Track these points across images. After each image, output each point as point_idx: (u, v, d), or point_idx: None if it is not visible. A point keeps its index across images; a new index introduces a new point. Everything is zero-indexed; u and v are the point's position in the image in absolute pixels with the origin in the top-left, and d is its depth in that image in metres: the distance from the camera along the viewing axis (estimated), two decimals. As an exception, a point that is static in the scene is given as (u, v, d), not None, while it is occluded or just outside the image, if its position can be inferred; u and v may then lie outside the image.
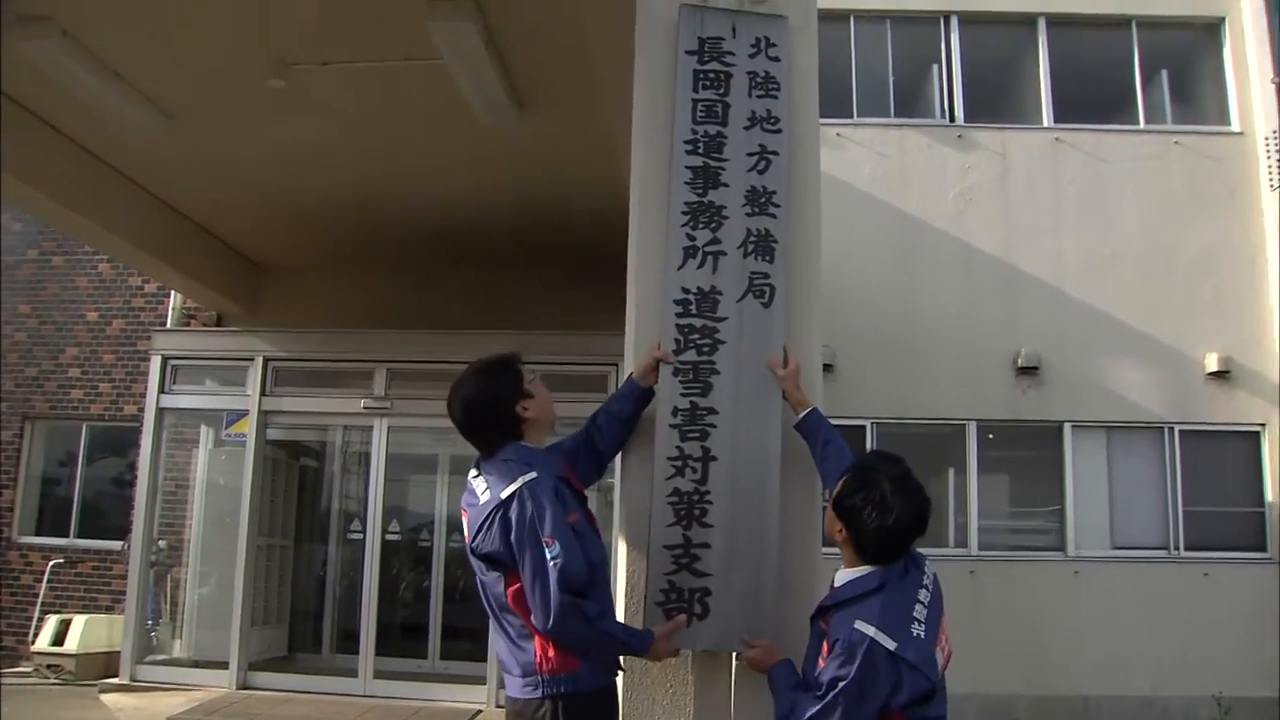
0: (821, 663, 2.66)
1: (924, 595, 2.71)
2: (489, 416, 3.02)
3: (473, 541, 2.92)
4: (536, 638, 2.83)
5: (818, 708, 2.59)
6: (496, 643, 2.99)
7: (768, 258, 3.26)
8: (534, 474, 2.87)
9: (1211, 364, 10.52)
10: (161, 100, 7.26)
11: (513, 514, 2.81)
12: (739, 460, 3.15)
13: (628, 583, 3.20)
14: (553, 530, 2.77)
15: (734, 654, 3.12)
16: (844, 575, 2.79)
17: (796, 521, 3.22)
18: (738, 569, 3.08)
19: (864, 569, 2.73)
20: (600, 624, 2.82)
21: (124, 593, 9.88)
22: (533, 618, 2.79)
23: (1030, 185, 11.06)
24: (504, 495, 2.84)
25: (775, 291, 3.25)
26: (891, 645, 2.56)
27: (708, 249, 3.26)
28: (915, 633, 2.62)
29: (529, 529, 2.78)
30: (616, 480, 3.47)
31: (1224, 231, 10.88)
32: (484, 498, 2.90)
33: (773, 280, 3.26)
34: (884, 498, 2.67)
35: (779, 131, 3.37)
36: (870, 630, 2.57)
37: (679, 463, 3.13)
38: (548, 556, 2.75)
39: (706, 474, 3.13)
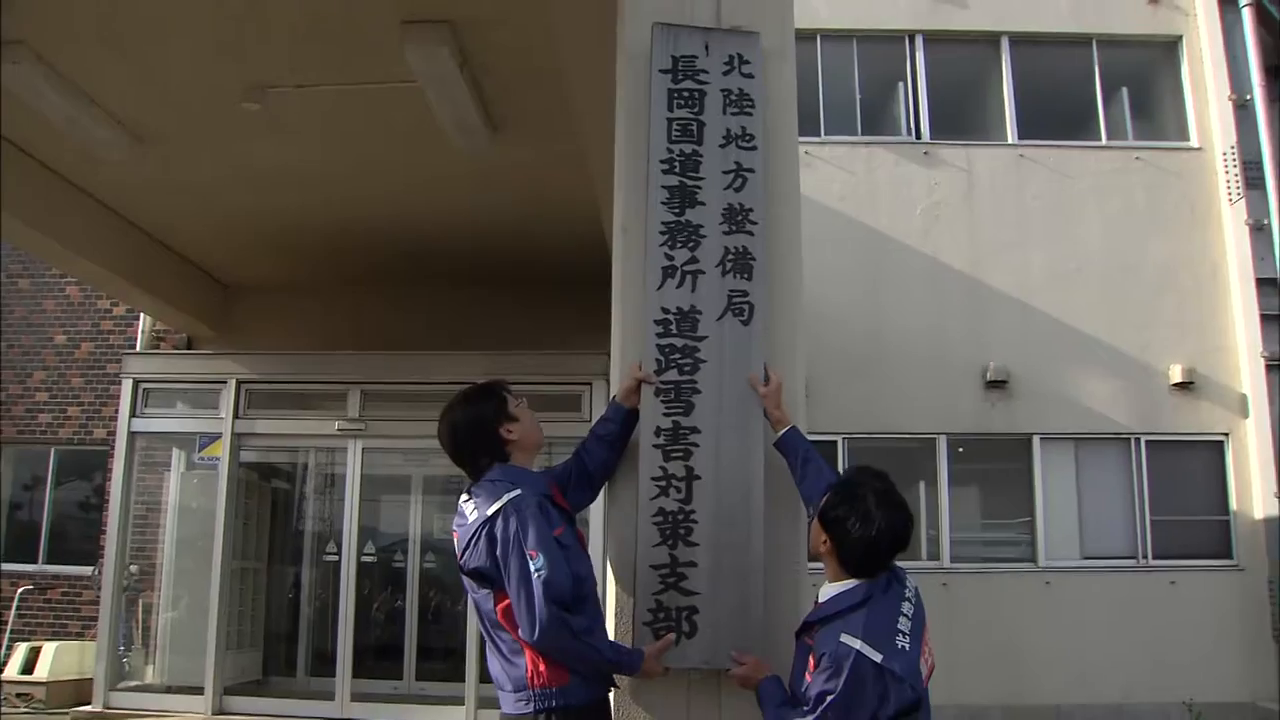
0: (808, 677, 2.68)
1: (907, 608, 2.74)
2: (474, 439, 3.09)
3: (461, 558, 2.98)
4: (527, 652, 2.86)
5: None
6: (490, 661, 3.02)
7: (746, 275, 3.29)
8: (518, 491, 2.92)
9: (1175, 375, 10.70)
10: (134, 124, 7.23)
11: (497, 530, 2.86)
12: (723, 478, 3.17)
13: (616, 604, 3.22)
14: (536, 543, 2.82)
15: (723, 672, 3.13)
16: (828, 590, 2.82)
17: (781, 538, 3.24)
18: (724, 587, 3.10)
19: (848, 583, 2.77)
20: (587, 639, 2.85)
21: (94, 619, 9.78)
22: (519, 630, 2.83)
23: (996, 201, 11.23)
24: (489, 512, 2.89)
25: (754, 309, 3.28)
26: (877, 657, 2.58)
27: (686, 268, 3.28)
28: (900, 644, 2.64)
29: (514, 543, 2.83)
30: (599, 502, 3.49)
31: (1185, 245, 11.09)
32: (472, 517, 2.96)
33: (751, 298, 3.28)
34: (868, 511, 2.72)
35: (754, 149, 3.39)
36: (856, 643, 2.60)
37: (663, 482, 3.15)
38: (532, 569, 2.79)
39: (691, 493, 3.15)
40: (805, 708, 2.65)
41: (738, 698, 3.09)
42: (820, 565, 3.02)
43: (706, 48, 3.47)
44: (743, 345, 3.26)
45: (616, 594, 3.23)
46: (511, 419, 3.10)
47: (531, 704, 2.85)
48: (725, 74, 3.46)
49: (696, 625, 3.08)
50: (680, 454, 3.18)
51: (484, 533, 2.89)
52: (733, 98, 3.44)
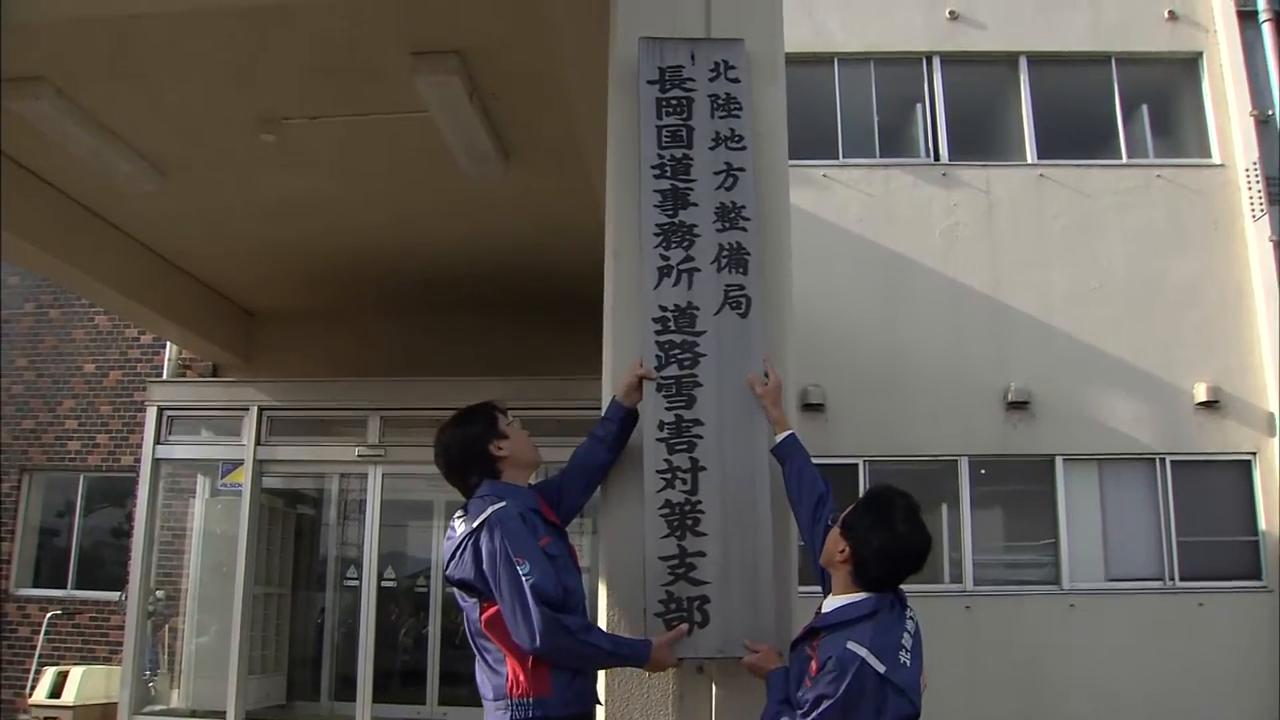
0: (808, 682, 2.69)
1: (911, 627, 2.77)
2: (465, 457, 3.16)
3: (447, 569, 3.04)
4: (510, 661, 2.88)
5: None
6: (476, 671, 3.05)
7: (741, 270, 3.36)
8: (503, 504, 2.97)
9: (1200, 394, 10.58)
10: (156, 156, 7.32)
11: (483, 542, 2.90)
12: (728, 469, 3.22)
13: (620, 600, 3.24)
14: (523, 551, 2.86)
15: (714, 685, 3.16)
16: (834, 601, 2.83)
17: (778, 537, 3.25)
18: (735, 576, 3.14)
19: (857, 595, 2.78)
20: (585, 636, 2.88)
21: (122, 643, 9.86)
22: (516, 637, 2.84)
23: (1015, 221, 11.18)
24: (475, 525, 2.94)
25: (751, 302, 3.34)
26: (881, 668, 2.60)
27: (682, 266, 3.35)
28: (902, 660, 2.67)
29: (501, 554, 2.86)
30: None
31: (1208, 262, 11.00)
32: (460, 530, 3.01)
33: (748, 291, 3.35)
34: (895, 525, 2.75)
35: (743, 149, 3.48)
36: (862, 651, 2.62)
37: (668, 475, 3.20)
38: (521, 575, 2.82)
39: (696, 484, 3.20)
40: (800, 711, 2.66)
41: (730, 709, 3.11)
42: (810, 588, 3.04)
43: (692, 57, 3.58)
44: (741, 337, 3.32)
45: (623, 591, 3.25)
46: (501, 436, 3.17)
47: (509, 712, 2.87)
48: (711, 80, 3.56)
49: (708, 615, 3.11)
50: (684, 446, 3.23)
51: (469, 544, 2.93)
52: (720, 101, 3.53)
